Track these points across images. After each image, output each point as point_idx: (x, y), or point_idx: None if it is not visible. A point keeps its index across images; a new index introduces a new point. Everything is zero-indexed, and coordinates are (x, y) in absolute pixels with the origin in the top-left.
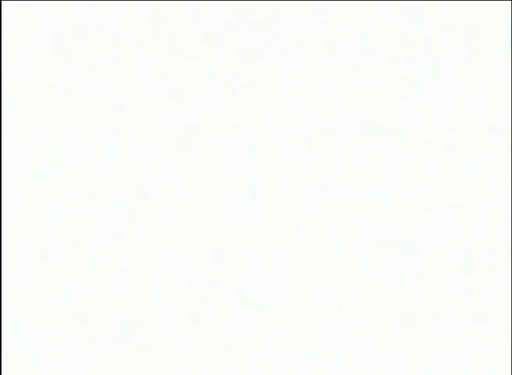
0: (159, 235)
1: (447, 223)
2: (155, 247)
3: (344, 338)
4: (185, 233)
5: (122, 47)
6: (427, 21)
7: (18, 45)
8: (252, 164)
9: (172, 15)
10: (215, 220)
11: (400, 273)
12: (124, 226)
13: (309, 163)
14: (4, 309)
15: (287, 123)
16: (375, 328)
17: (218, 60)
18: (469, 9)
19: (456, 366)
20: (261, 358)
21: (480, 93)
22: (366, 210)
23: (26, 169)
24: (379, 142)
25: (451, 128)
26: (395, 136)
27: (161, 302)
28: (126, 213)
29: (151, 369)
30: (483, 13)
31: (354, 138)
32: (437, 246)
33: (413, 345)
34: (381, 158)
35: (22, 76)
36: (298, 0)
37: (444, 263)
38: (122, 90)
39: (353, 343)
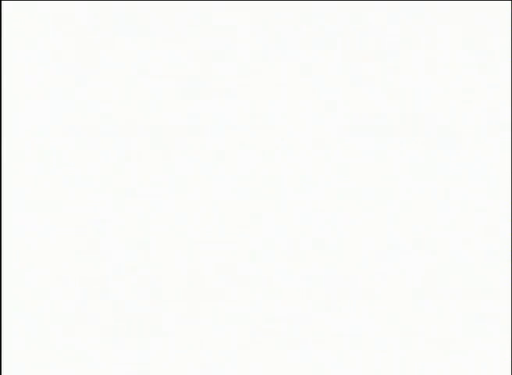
0: (158, 235)
1: (447, 223)
2: (154, 246)
3: (343, 341)
4: (184, 234)
5: (122, 47)
6: (427, 21)
7: (18, 45)
8: (252, 165)
9: (172, 15)
10: (215, 220)
11: (399, 273)
12: (124, 226)
13: (309, 164)
14: (4, 309)
15: (286, 123)
16: (376, 327)
17: (218, 60)
18: (469, 9)
19: (456, 366)
20: (259, 358)
21: (480, 93)
22: (365, 210)
23: (26, 169)
24: (379, 142)
25: (451, 128)
26: (394, 136)
27: (159, 303)
28: (126, 213)
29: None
30: (483, 13)
31: (354, 137)
32: (436, 247)
33: (412, 345)
34: (380, 159)
35: (22, 76)
36: (298, 0)
37: (444, 264)
38: (122, 90)
39: (352, 345)
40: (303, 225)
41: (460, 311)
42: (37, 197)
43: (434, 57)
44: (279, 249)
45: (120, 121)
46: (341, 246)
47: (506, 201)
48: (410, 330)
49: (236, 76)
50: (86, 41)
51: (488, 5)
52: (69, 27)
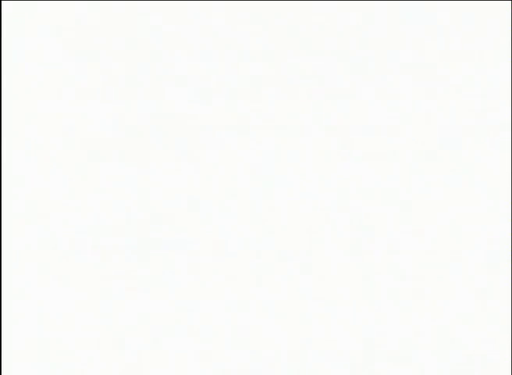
0: (163, 239)
1: (447, 223)
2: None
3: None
4: (184, 235)
5: (123, 47)
6: (427, 21)
7: (18, 45)
8: (252, 166)
9: (172, 15)
10: (215, 221)
11: (398, 273)
12: (124, 227)
13: (309, 165)
14: (4, 310)
15: (288, 124)
16: (375, 328)
17: (220, 61)
18: (469, 9)
19: (456, 366)
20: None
21: (480, 93)
22: (364, 209)
23: (26, 168)
24: (379, 142)
25: (451, 128)
26: (394, 136)
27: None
28: (126, 213)
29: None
30: (483, 13)
31: (353, 139)
32: (436, 247)
33: (413, 345)
34: (380, 158)
35: (22, 76)
36: (298, 0)
37: (444, 264)
38: (123, 90)
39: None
40: (302, 225)
41: (460, 311)
42: (36, 197)
43: (434, 57)
44: (278, 249)
45: (120, 121)
46: (342, 246)
47: (506, 201)
48: (409, 330)
49: (235, 76)
50: (86, 41)
51: (488, 5)
52: (69, 27)
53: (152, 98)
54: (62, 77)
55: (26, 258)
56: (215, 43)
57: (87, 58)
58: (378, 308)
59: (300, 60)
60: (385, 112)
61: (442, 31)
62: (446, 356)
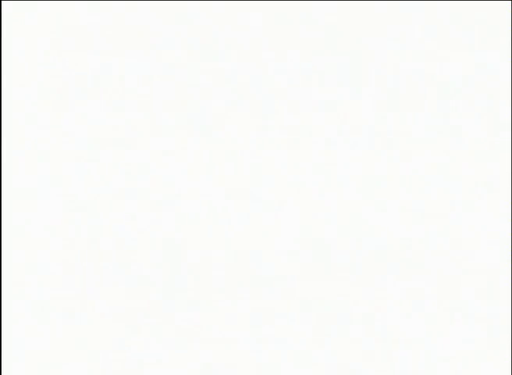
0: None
1: (447, 223)
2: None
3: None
4: (183, 238)
5: (123, 47)
6: (427, 21)
7: (18, 45)
8: (253, 167)
9: (172, 15)
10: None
11: (398, 272)
12: (124, 227)
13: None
14: (4, 310)
15: (288, 126)
16: (375, 328)
17: (220, 61)
18: (469, 9)
19: (456, 366)
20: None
21: (480, 93)
22: (362, 209)
23: (25, 168)
24: (380, 140)
25: (450, 129)
26: (394, 136)
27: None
28: (127, 213)
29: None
30: (483, 13)
31: (355, 136)
32: (436, 247)
33: (412, 345)
34: (382, 157)
35: (22, 76)
36: (298, 0)
37: (444, 264)
38: (123, 90)
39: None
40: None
41: (460, 311)
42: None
43: (434, 57)
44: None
45: (120, 121)
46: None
47: (506, 201)
48: (409, 330)
49: (235, 77)
50: (86, 41)
51: (488, 5)
52: (69, 27)
53: (151, 99)
54: (62, 77)
55: (27, 262)
56: (215, 44)
57: (87, 59)
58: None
59: (300, 60)
60: (384, 112)
61: (442, 31)
62: (446, 356)
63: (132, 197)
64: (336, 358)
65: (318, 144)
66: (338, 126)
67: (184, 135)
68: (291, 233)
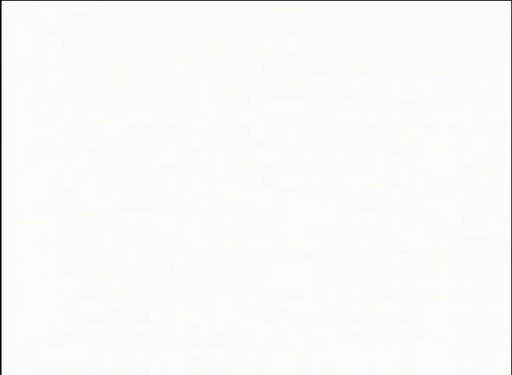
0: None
1: (446, 223)
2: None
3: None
4: (182, 240)
5: (123, 47)
6: (427, 21)
7: (18, 45)
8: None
9: (173, 15)
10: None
11: (397, 273)
12: (125, 228)
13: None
14: (4, 310)
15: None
16: (374, 328)
17: (219, 62)
18: (469, 9)
19: (456, 366)
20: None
21: (480, 93)
22: (360, 209)
23: (25, 169)
24: (378, 141)
25: (450, 129)
26: (393, 136)
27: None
28: (127, 214)
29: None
30: (483, 13)
31: (354, 138)
32: (436, 247)
33: (412, 345)
34: (380, 157)
35: (22, 76)
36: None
37: (443, 264)
38: (123, 90)
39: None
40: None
41: (459, 311)
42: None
43: (433, 57)
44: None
45: (120, 121)
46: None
47: (506, 201)
48: (409, 330)
49: (235, 77)
50: (86, 41)
51: (488, 5)
52: (69, 27)
53: (152, 98)
54: (62, 77)
55: (25, 262)
56: (215, 45)
57: (87, 59)
58: (376, 311)
59: (299, 62)
60: (383, 112)
61: (441, 31)
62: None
63: (132, 196)
64: (335, 358)
65: (317, 146)
66: (338, 127)
67: (184, 135)
68: (295, 236)
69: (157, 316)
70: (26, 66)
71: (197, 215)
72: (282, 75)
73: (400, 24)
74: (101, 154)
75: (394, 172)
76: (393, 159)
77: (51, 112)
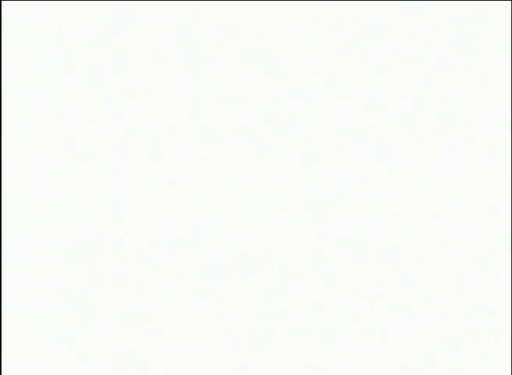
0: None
1: (446, 223)
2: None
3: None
4: (181, 241)
5: (123, 47)
6: (427, 21)
7: (18, 45)
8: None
9: (173, 15)
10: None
11: (397, 273)
12: (125, 228)
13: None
14: (4, 310)
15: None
16: (373, 328)
17: (219, 62)
18: (469, 9)
19: (456, 366)
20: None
21: (480, 93)
22: (359, 206)
23: (25, 168)
24: (380, 142)
25: (450, 128)
26: (394, 137)
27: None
28: (128, 214)
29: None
30: (483, 13)
31: (355, 137)
32: (436, 247)
33: (412, 345)
34: (382, 159)
35: (22, 76)
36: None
37: (443, 263)
38: (123, 90)
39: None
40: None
41: (460, 310)
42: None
43: (433, 57)
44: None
45: (121, 121)
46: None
47: (506, 201)
48: (409, 330)
49: (239, 76)
50: (86, 41)
51: (488, 5)
52: (69, 27)
53: (152, 98)
54: (62, 77)
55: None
56: (214, 46)
57: (87, 59)
58: (378, 311)
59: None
60: (384, 113)
61: (441, 31)
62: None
63: (134, 197)
64: (336, 357)
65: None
66: (339, 128)
67: (184, 134)
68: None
69: (156, 317)
70: (26, 66)
71: (197, 215)
72: (282, 75)
73: (399, 24)
74: (101, 154)
75: (393, 172)
76: (393, 160)
77: (51, 112)
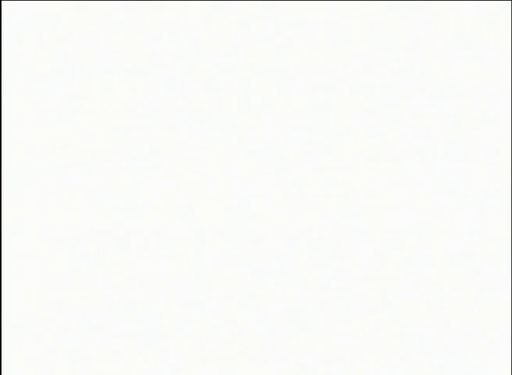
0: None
1: (446, 223)
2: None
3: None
4: (180, 241)
5: (123, 47)
6: (427, 21)
7: (18, 45)
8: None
9: (173, 15)
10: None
11: (397, 273)
12: (125, 229)
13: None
14: (4, 310)
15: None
16: (373, 330)
17: (220, 63)
18: (469, 9)
19: (456, 366)
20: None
21: (480, 93)
22: (359, 205)
23: (25, 169)
24: (379, 139)
25: (450, 129)
26: (394, 135)
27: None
28: (128, 214)
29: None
30: (483, 13)
31: (354, 133)
32: (435, 246)
33: (411, 345)
34: (380, 156)
35: (22, 76)
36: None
37: (443, 263)
38: (123, 90)
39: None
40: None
41: (460, 310)
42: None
43: (433, 57)
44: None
45: (120, 121)
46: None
47: (506, 201)
48: (408, 330)
49: (239, 75)
50: (86, 41)
51: (488, 5)
52: (69, 27)
53: (152, 98)
54: (62, 77)
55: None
56: (213, 46)
57: (87, 59)
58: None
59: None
60: (384, 111)
61: (441, 31)
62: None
63: (134, 197)
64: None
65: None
66: (341, 127)
67: (184, 135)
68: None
69: (157, 315)
70: (26, 66)
71: (197, 215)
72: (283, 75)
73: (397, 25)
74: (101, 154)
75: (394, 172)
76: (393, 159)
77: (51, 111)
